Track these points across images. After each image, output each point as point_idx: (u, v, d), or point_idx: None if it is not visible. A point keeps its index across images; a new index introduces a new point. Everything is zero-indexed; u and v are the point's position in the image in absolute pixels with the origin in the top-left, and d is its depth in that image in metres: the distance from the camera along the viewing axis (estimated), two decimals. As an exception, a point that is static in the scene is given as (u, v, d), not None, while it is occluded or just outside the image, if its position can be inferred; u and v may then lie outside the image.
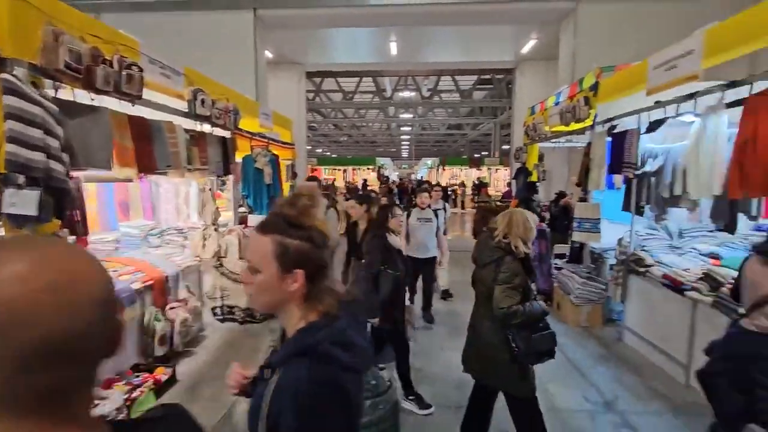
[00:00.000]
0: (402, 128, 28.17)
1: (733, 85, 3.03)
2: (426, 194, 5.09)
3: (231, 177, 4.87)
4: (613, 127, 4.45)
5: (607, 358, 4.15)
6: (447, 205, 6.18)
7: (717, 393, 2.12)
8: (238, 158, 4.99)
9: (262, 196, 5.04)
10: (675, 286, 3.64)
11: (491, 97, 17.46)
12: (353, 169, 22.29)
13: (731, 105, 3.04)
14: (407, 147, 39.76)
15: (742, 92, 2.93)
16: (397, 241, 3.26)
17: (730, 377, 2.07)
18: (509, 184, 12.96)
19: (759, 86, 2.79)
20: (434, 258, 5.11)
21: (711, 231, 4.39)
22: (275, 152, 5.66)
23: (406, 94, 17.53)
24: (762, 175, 2.55)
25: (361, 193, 6.46)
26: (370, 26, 8.87)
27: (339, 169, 22.42)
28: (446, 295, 5.90)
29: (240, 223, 5.28)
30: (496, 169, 20.92)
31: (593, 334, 4.70)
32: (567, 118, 4.96)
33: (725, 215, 3.78)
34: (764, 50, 2.96)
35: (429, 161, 26.53)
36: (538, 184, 6.72)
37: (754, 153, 2.61)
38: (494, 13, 7.90)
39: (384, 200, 5.86)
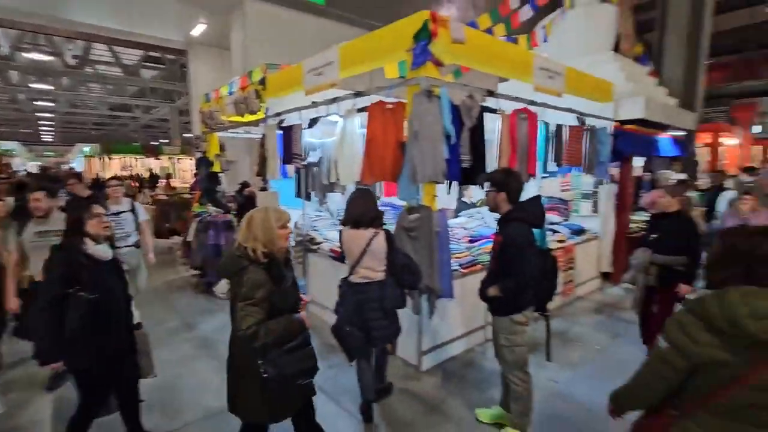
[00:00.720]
0: (39, 103, 21.15)
1: (360, 94, 3.88)
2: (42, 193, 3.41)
3: None
4: (282, 121, 4.87)
5: (295, 330, 4.62)
6: (138, 204, 4.48)
7: (345, 339, 2.82)
8: None
9: None
10: (336, 256, 4.44)
11: (163, 78, 15.70)
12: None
13: (361, 110, 3.89)
14: (51, 129, 30.42)
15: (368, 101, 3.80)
16: (100, 250, 2.38)
17: (353, 321, 2.80)
18: (196, 175, 12.17)
19: (374, 98, 3.69)
20: None
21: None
22: None
23: (38, 56, 13.15)
24: (379, 166, 3.42)
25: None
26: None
27: None
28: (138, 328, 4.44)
29: None
30: (179, 159, 19.19)
31: (283, 312, 5.11)
32: (241, 109, 5.04)
33: (365, 196, 4.89)
34: (378, 70, 3.95)
35: (87, 148, 21.11)
36: (221, 174, 6.59)
37: (374, 149, 3.46)
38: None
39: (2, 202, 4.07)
